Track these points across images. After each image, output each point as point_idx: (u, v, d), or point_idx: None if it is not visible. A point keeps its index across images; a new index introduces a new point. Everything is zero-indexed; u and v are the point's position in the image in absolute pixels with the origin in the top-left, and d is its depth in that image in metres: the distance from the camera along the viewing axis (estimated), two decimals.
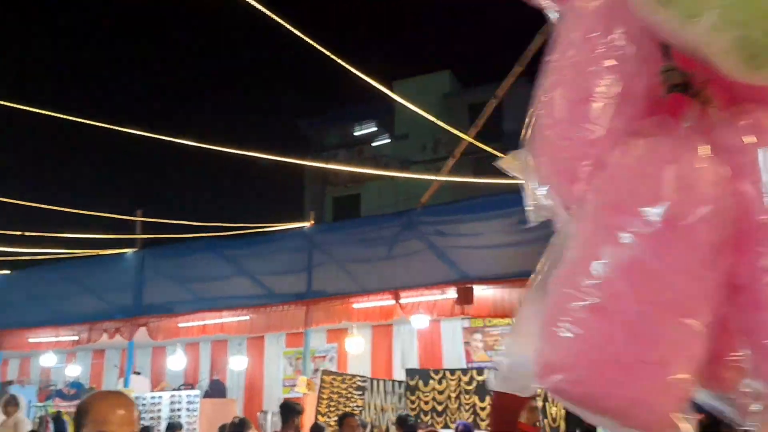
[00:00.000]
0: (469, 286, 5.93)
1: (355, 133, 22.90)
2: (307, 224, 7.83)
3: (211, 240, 8.64)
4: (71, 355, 11.79)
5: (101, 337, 9.13)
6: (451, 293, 6.20)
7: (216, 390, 10.06)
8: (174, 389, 9.50)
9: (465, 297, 5.90)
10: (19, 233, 8.57)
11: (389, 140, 21.90)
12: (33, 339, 10.01)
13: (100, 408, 2.00)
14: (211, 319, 8.30)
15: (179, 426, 8.00)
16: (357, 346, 7.66)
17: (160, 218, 9.09)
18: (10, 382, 12.02)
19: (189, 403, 8.82)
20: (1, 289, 10.35)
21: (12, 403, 8.69)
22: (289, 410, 5.89)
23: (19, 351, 10.88)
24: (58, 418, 8.77)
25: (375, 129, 22.50)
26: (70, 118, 6.21)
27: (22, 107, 5.64)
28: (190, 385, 9.98)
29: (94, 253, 9.18)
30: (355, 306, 7.06)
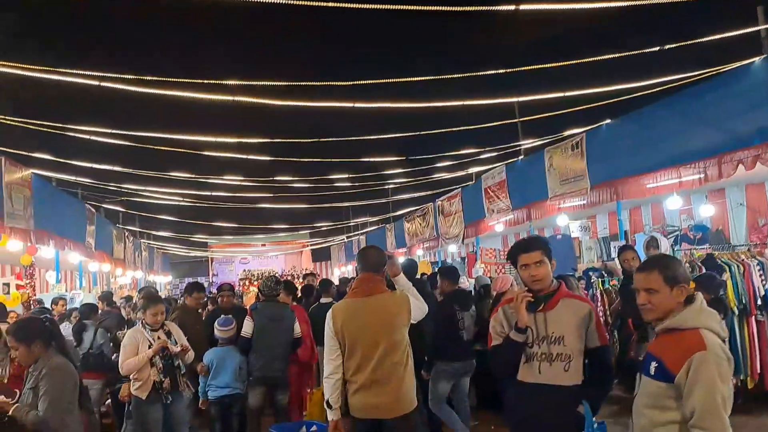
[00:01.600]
0: None
1: None
2: None
3: None
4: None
5: (735, 170, 7.84)
6: None
7: None
8: None
9: None
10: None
11: None
12: (651, 184, 9.58)
13: None
14: None
15: None
16: None
17: None
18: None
19: None
20: (608, 140, 10.27)
21: (653, 245, 8.54)
22: None
23: (632, 199, 10.76)
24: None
25: None
26: None
27: None
28: None
29: (710, 73, 7.79)
30: None
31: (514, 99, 11.36)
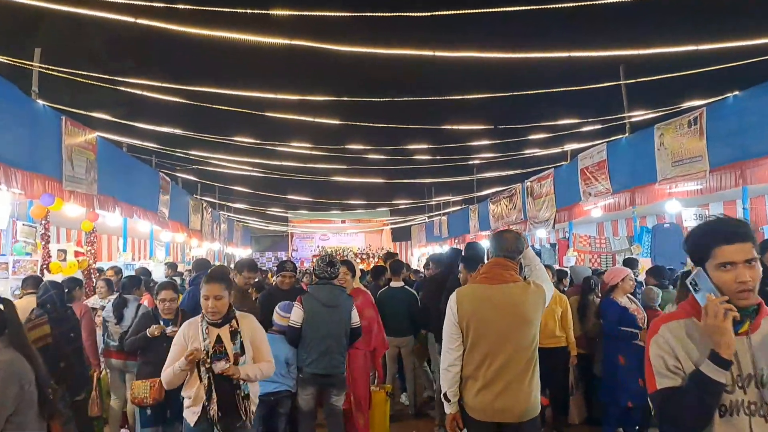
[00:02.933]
0: None
1: None
2: None
3: None
4: None
5: None
6: None
7: None
8: None
9: None
10: None
11: None
12: None
13: None
14: None
15: None
16: None
17: None
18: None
19: None
20: (734, 114, 8.91)
21: None
22: None
23: (764, 184, 9.32)
24: None
25: None
26: None
27: None
28: None
29: None
30: None
31: (620, 51, 9.31)
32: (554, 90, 10.71)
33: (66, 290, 5.87)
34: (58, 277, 7.20)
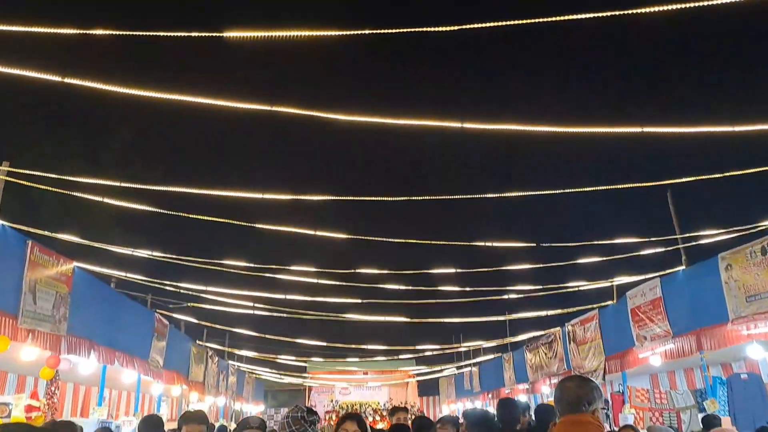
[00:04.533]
0: None
1: None
2: None
3: None
4: None
5: None
6: None
7: None
8: None
9: None
10: None
11: None
12: None
13: None
14: None
15: None
16: None
17: None
18: None
19: None
20: None
21: None
22: None
23: None
24: None
25: None
26: None
27: None
28: None
29: None
30: None
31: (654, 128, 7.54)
32: (592, 188, 9.39)
33: None
34: None
